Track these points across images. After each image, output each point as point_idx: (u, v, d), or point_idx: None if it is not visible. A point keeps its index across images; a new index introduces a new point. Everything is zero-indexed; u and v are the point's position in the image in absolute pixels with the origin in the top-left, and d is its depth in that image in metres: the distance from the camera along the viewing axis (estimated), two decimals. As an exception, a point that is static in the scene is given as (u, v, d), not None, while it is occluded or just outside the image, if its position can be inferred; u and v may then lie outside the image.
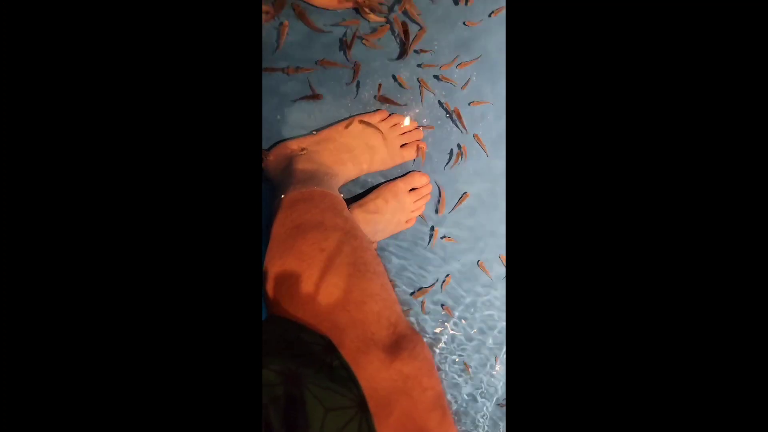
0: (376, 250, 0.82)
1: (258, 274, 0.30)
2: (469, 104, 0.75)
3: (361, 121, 0.72)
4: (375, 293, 0.47)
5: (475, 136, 0.77)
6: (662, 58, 0.29)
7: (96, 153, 0.26)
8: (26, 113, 0.25)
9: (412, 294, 0.86)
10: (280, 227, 0.54)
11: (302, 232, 0.51)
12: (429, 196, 0.81)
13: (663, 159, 0.29)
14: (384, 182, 0.79)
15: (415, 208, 0.80)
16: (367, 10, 0.66)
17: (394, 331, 0.45)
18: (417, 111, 0.75)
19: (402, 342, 0.44)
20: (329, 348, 0.42)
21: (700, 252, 0.28)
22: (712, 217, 0.28)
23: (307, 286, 0.46)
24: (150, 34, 0.27)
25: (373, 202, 0.77)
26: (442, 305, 0.88)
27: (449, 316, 0.88)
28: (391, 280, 0.76)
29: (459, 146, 0.77)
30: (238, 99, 0.29)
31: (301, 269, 0.47)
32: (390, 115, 0.74)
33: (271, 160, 0.73)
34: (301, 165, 0.69)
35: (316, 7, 0.67)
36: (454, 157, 0.78)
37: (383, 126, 0.73)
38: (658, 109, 0.29)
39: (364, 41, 0.69)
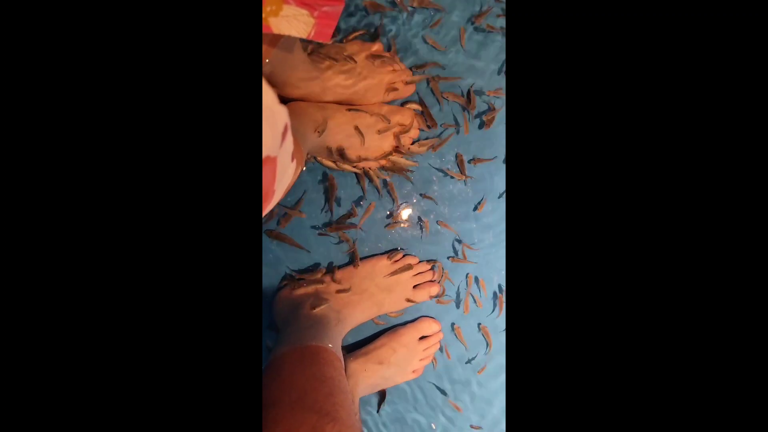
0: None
1: (258, 274, 0.30)
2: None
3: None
4: None
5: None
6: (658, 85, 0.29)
7: (90, 155, 0.26)
8: (20, 112, 0.26)
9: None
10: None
11: (276, 414, 0.44)
12: (438, 345, 0.73)
13: (663, 171, 0.28)
14: (391, 328, 0.71)
15: (424, 356, 0.72)
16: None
17: None
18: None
19: None
20: None
21: (696, 267, 0.28)
22: (708, 219, 0.28)
23: None
24: (149, 35, 0.27)
25: (379, 351, 0.68)
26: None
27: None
28: None
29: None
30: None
31: None
32: (404, 255, 0.69)
33: (279, 300, 0.67)
34: (309, 309, 0.62)
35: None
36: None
37: (396, 266, 0.68)
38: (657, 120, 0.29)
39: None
